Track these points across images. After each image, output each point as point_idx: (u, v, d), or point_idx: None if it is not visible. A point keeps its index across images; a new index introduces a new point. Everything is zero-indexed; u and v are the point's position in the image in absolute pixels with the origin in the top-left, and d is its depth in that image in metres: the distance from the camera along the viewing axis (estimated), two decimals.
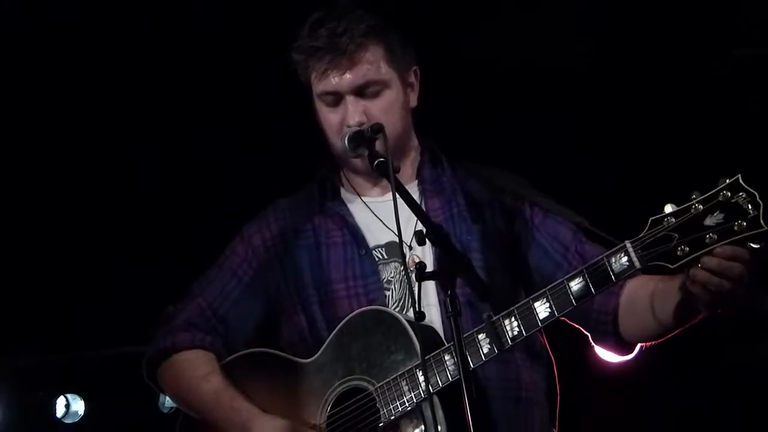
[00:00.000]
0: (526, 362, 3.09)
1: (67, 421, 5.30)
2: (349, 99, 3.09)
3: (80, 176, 4.96)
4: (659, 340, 3.01)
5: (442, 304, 2.96)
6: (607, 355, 3.15)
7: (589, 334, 3.12)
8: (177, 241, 5.01)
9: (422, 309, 2.76)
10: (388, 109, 3.12)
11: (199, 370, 3.19)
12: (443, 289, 2.71)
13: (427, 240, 2.77)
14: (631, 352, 3.09)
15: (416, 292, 2.73)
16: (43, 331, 5.02)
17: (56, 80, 4.71)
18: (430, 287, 2.99)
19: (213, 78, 4.80)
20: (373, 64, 3.09)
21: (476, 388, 2.79)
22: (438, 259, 3.00)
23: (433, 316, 3.02)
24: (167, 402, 5.44)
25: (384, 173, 2.89)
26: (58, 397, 5.28)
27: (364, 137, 2.97)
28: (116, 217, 5.02)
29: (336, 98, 3.11)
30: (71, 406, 5.30)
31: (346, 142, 3.00)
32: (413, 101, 3.21)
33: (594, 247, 3.08)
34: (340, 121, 3.11)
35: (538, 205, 3.17)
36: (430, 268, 2.89)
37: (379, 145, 2.96)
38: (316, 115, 3.20)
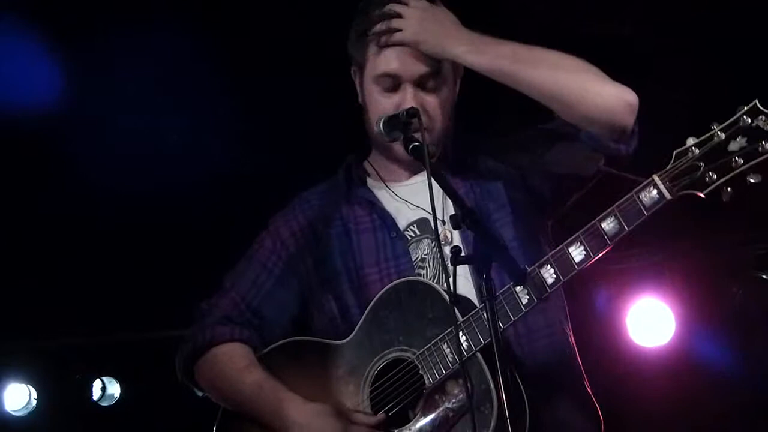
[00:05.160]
0: (558, 305, 3.10)
1: (103, 403, 5.35)
2: (409, 88, 3.05)
3: (118, 161, 4.99)
4: None
5: (476, 288, 2.97)
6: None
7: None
8: (211, 227, 5.03)
9: (457, 289, 2.78)
10: (443, 105, 3.09)
11: (239, 363, 3.17)
12: (478, 274, 2.70)
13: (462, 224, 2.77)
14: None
15: (452, 276, 2.74)
16: (79, 314, 5.07)
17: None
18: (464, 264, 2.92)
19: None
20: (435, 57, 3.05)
21: (524, 342, 2.92)
22: (473, 243, 2.97)
23: (466, 287, 3.01)
24: None
25: (419, 157, 2.89)
26: (95, 379, 5.33)
27: (399, 121, 2.95)
28: (153, 203, 5.05)
29: (395, 83, 3.06)
30: (107, 388, 5.35)
31: (381, 126, 2.98)
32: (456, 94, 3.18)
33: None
34: (394, 107, 3.05)
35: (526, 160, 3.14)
36: (462, 248, 2.84)
37: (413, 130, 2.96)
38: (361, 95, 3.16)
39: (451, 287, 2.77)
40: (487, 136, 3.23)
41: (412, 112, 2.95)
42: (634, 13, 4.67)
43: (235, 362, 3.19)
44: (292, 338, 3.21)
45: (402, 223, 3.14)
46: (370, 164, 3.26)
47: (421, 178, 3.11)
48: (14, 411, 5.09)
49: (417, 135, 2.93)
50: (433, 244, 3.08)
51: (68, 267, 4.98)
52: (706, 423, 5.25)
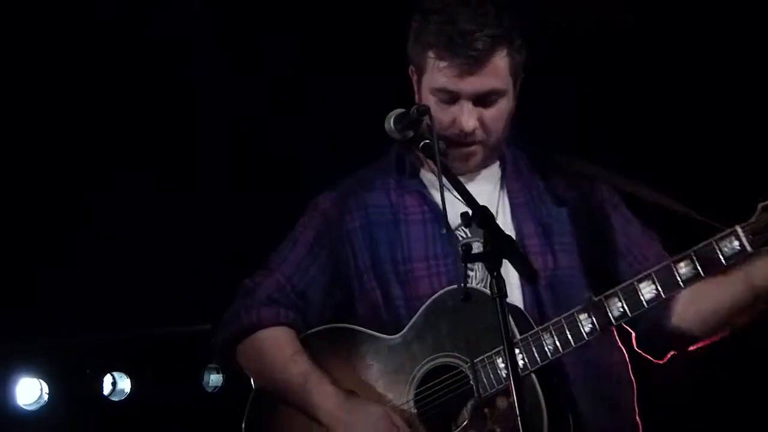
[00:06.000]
0: (604, 345, 3.09)
1: (114, 398, 5.34)
2: (467, 104, 3.04)
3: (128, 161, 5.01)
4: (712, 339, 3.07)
5: (525, 285, 3.00)
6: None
7: (633, 333, 3.12)
8: (223, 223, 5.04)
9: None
10: (500, 117, 3.08)
11: (285, 350, 3.16)
12: (489, 272, 2.69)
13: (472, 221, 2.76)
14: (664, 358, 3.15)
15: (463, 273, 2.74)
16: (90, 309, 5.07)
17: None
18: (511, 269, 2.88)
19: None
20: (498, 73, 3.04)
21: (560, 373, 2.92)
22: (484, 241, 2.97)
23: (515, 297, 3.02)
24: (212, 381, 5.50)
25: (430, 155, 2.89)
26: (105, 375, 5.33)
27: (410, 118, 2.94)
28: (164, 200, 5.06)
29: (452, 97, 3.05)
30: (118, 384, 5.34)
31: (391, 123, 2.96)
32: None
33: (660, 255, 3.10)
34: (451, 120, 3.06)
35: (615, 194, 3.18)
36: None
37: (424, 127, 2.94)
38: (417, 95, 3.14)
39: (464, 287, 2.74)
40: (566, 157, 3.22)
41: (423, 110, 2.94)
42: (637, 3, 4.65)
43: (281, 349, 3.17)
44: (339, 324, 3.20)
45: (454, 221, 3.08)
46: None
47: (464, 178, 3.09)
48: (26, 405, 5.09)
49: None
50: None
51: (79, 262, 4.99)
52: (714, 422, 5.23)
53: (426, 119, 2.94)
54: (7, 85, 4.59)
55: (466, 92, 3.02)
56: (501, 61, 3.02)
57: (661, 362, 3.14)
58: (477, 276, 3.09)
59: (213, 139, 5.04)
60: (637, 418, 3.14)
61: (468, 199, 2.82)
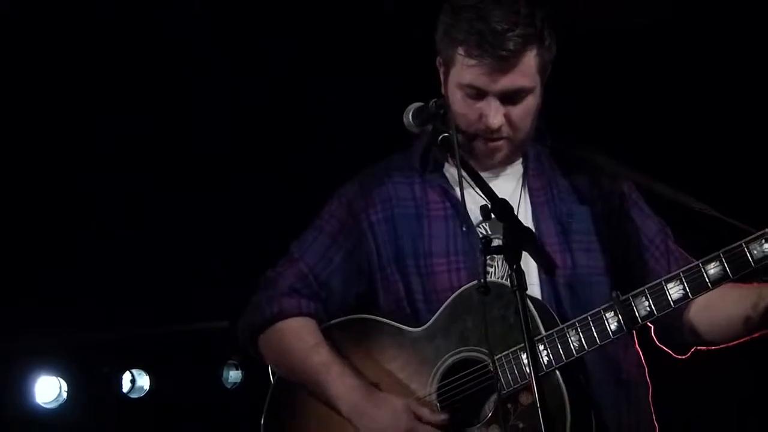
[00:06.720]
0: (620, 346, 3.07)
1: (133, 396, 5.39)
2: (494, 101, 3.01)
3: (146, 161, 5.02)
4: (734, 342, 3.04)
5: (544, 283, 2.99)
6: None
7: (652, 326, 3.10)
8: (241, 220, 5.05)
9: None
10: (527, 114, 3.05)
11: (307, 341, 3.15)
12: (509, 264, 2.66)
13: (492, 215, 2.76)
14: (686, 353, 3.12)
15: (481, 266, 2.72)
16: (109, 307, 5.10)
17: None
18: (532, 266, 2.88)
19: None
20: (527, 72, 3.00)
21: (583, 372, 2.90)
22: (503, 233, 2.93)
23: (535, 295, 3.01)
24: (231, 377, 5.52)
25: (448, 148, 2.89)
26: (124, 372, 5.36)
27: (429, 112, 2.93)
28: (181, 196, 5.08)
29: (479, 94, 3.02)
30: (137, 381, 5.38)
31: (409, 117, 2.96)
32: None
33: (678, 250, 3.11)
34: (477, 116, 3.03)
35: (634, 190, 3.17)
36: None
37: (442, 121, 2.94)
38: (444, 87, 3.11)
39: (483, 281, 2.70)
40: (587, 152, 3.19)
41: (441, 104, 2.94)
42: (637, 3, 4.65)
43: (302, 340, 3.17)
44: (361, 315, 3.18)
45: (476, 218, 3.06)
46: None
47: (488, 175, 3.08)
48: (45, 403, 5.13)
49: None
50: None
51: (98, 260, 5.02)
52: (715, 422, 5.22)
53: (443, 113, 2.93)
54: (7, 86, 4.61)
55: (494, 90, 2.99)
56: (531, 60, 2.98)
57: (683, 357, 3.13)
58: (497, 273, 3.07)
59: (213, 139, 5.05)
60: (655, 421, 3.13)
61: (487, 191, 2.81)
